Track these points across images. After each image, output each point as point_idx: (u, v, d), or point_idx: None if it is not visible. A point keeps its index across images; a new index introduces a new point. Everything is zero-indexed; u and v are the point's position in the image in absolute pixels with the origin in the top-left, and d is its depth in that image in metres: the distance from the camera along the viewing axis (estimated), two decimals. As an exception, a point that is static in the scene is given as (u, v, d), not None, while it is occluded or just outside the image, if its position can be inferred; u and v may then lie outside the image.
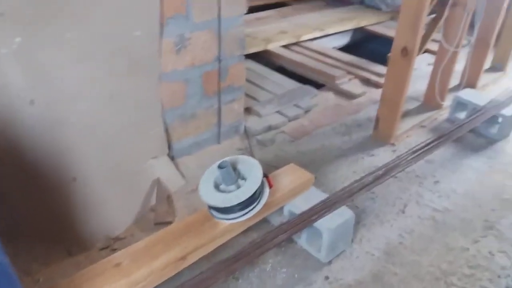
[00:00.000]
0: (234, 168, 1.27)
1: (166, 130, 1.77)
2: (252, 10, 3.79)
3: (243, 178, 1.26)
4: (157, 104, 1.69)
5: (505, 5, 2.34)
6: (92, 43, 1.41)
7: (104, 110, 1.51)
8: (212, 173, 1.27)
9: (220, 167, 1.21)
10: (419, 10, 1.76)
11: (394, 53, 1.91)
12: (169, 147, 1.81)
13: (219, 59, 1.83)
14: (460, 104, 2.24)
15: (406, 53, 1.86)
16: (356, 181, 1.57)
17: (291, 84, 2.63)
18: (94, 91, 1.47)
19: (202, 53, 1.76)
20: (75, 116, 1.43)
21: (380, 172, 1.58)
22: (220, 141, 2.04)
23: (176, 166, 1.80)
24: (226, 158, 1.28)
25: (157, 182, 1.67)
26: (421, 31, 1.83)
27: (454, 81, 2.43)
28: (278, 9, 3.84)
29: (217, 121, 1.98)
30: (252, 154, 2.00)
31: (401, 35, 1.85)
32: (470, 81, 2.53)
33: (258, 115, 2.27)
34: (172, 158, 1.84)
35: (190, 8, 1.63)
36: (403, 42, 1.85)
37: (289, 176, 1.47)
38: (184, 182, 1.75)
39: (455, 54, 2.14)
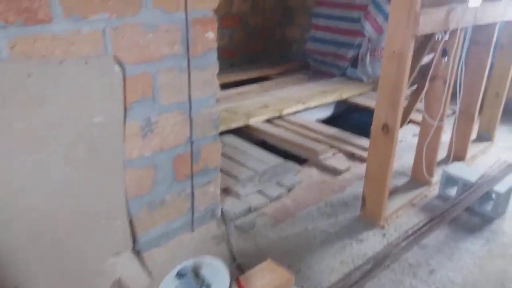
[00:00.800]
0: (197, 274, 1.10)
1: (131, 221, 1.61)
2: (235, 84, 3.81)
3: (208, 286, 1.08)
4: (120, 193, 1.54)
5: (485, 75, 2.32)
6: (46, 131, 1.29)
7: (58, 204, 1.36)
8: (170, 282, 1.09)
9: (178, 275, 1.04)
10: (398, 86, 1.70)
11: (374, 130, 1.82)
12: (134, 240, 1.63)
13: (191, 141, 1.72)
14: (450, 180, 2.12)
15: (387, 130, 1.77)
16: (344, 277, 1.39)
17: (273, 160, 2.51)
18: (47, 182, 1.32)
19: (172, 136, 1.65)
20: (21, 214, 1.27)
21: (369, 266, 1.40)
22: (193, 228, 1.87)
23: (142, 262, 1.61)
24: (188, 262, 1.11)
25: (118, 284, 1.47)
26: (401, 107, 1.76)
27: (442, 152, 2.34)
28: (260, 83, 3.85)
29: (190, 206, 1.83)
30: (229, 242, 1.82)
31: (380, 111, 1.78)
32: (458, 153, 2.44)
33: (237, 196, 2.13)
34: (138, 252, 1.66)
35: (157, 91, 1.54)
36: (383, 119, 1.77)
37: (265, 277, 1.29)
38: (148, 282, 1.55)
39: (439, 128, 2.06)
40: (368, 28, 3.60)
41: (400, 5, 1.58)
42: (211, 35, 1.62)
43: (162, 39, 1.49)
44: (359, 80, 3.79)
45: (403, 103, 1.76)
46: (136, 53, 1.44)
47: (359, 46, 3.77)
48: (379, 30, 3.56)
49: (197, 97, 1.68)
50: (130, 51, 1.42)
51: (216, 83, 1.73)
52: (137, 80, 1.47)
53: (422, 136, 2.12)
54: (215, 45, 1.66)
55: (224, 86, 3.78)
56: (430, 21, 1.62)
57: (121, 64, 1.40)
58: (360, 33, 3.72)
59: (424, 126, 2.10)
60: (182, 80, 1.61)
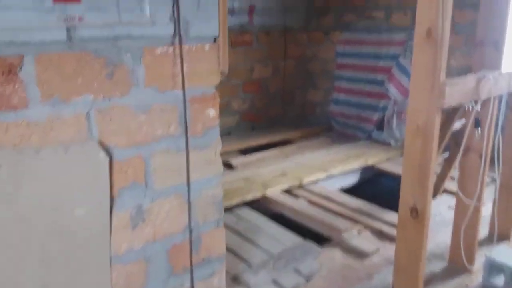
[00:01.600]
0: None
1: (119, 323, 1.40)
2: (255, 149, 3.66)
3: None
4: (107, 292, 1.35)
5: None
6: (18, 228, 1.14)
7: (29, 311, 1.17)
8: None
9: None
10: (425, 165, 1.48)
11: (402, 214, 1.58)
12: None
13: (189, 228, 1.53)
14: (495, 267, 1.81)
15: (416, 214, 1.52)
16: None
17: (290, 239, 2.27)
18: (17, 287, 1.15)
19: (167, 224, 1.47)
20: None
21: None
22: (195, 327, 1.63)
23: None
24: None
25: None
26: (431, 188, 1.52)
27: (483, 227, 2.04)
28: (281, 147, 3.69)
29: (191, 302, 1.60)
30: None
31: (407, 194, 1.54)
32: (501, 231, 2.13)
33: (248, 286, 1.88)
34: None
35: (150, 175, 1.38)
36: (411, 202, 1.53)
37: None
38: None
39: (477, 208, 1.79)
40: (393, 91, 3.44)
41: (421, 75, 1.40)
42: (212, 112, 1.48)
43: (156, 120, 1.35)
44: (386, 144, 3.57)
45: (432, 183, 1.53)
46: (126, 136, 1.30)
47: (384, 108, 3.60)
48: (405, 93, 3.38)
49: (196, 179, 1.51)
50: (119, 135, 1.28)
51: (219, 162, 1.57)
52: (127, 165, 1.32)
53: (458, 216, 1.85)
54: (216, 122, 1.51)
55: (245, 151, 3.66)
56: (457, 92, 1.43)
57: (107, 150, 1.26)
58: (385, 96, 3.57)
59: (459, 205, 1.84)
60: (179, 161, 1.45)
